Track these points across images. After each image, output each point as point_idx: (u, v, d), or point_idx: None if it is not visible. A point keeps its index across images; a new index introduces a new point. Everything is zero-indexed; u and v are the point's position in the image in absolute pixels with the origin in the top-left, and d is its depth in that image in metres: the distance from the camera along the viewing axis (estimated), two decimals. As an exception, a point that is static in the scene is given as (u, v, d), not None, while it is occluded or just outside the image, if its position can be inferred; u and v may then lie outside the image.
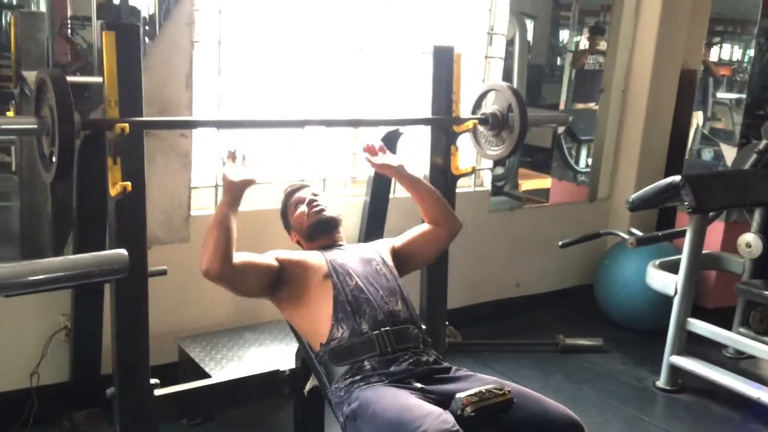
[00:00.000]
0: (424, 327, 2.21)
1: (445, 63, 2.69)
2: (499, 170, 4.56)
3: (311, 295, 2.10)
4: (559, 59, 6.35)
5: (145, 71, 2.68)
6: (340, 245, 2.30)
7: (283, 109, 3.14)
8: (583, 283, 4.29)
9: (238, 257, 2.03)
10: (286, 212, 2.39)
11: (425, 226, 2.37)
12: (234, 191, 2.09)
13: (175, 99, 2.76)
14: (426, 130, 2.84)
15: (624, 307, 3.93)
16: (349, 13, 3.24)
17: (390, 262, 2.27)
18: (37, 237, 2.87)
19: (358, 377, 1.96)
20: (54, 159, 1.88)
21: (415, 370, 1.98)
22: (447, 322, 3.63)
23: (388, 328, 2.04)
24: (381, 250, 2.31)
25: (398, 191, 3.49)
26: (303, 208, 2.31)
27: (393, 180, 3.19)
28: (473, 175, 3.75)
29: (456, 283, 3.68)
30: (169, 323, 2.94)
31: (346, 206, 3.32)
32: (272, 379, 2.49)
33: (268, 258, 2.14)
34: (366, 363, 1.98)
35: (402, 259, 2.33)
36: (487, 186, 3.89)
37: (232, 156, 2.16)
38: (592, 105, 4.60)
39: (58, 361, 2.73)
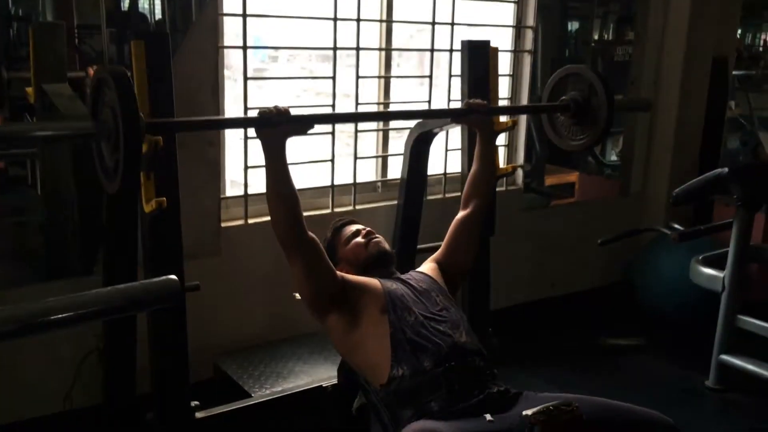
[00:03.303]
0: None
1: (480, 58, 2.59)
2: (526, 166, 4.45)
3: (367, 327, 1.95)
4: (567, 51, 6.25)
5: (169, 80, 2.62)
6: (395, 275, 2.17)
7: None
8: (620, 280, 4.17)
9: (313, 235, 1.93)
10: (334, 244, 2.21)
11: (459, 219, 2.28)
12: (271, 144, 1.85)
13: (202, 107, 2.67)
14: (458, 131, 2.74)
15: (665, 304, 3.81)
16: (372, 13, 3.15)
17: (444, 286, 2.15)
18: (63, 255, 2.78)
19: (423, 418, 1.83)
20: (119, 166, 1.68)
21: (485, 404, 1.85)
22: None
23: (453, 363, 1.89)
24: (433, 274, 2.19)
25: (431, 194, 3.40)
26: (359, 239, 2.19)
27: (425, 182, 3.11)
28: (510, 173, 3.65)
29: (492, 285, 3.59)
30: (202, 339, 2.83)
31: (378, 211, 3.24)
32: (316, 395, 2.39)
33: (334, 270, 2.01)
34: (433, 404, 1.84)
35: (449, 267, 2.23)
36: (519, 184, 3.79)
37: (265, 112, 1.86)
38: (619, 97, 4.47)
39: (91, 384, 2.63)
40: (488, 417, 1.79)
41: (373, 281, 2.06)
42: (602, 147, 5.18)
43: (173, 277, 1.22)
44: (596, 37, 5.65)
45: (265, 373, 2.64)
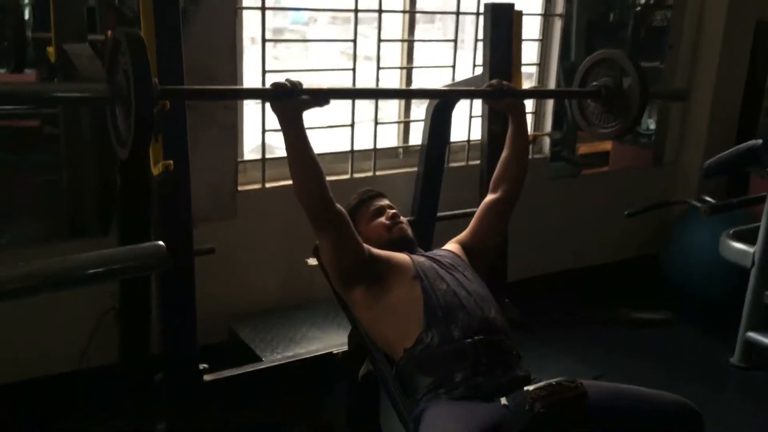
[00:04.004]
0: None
1: (503, 23, 2.50)
2: (556, 134, 4.34)
3: (398, 298, 1.91)
4: (611, 15, 6.02)
5: (184, 41, 2.59)
6: (418, 253, 2.11)
7: (332, 76, 2.99)
8: (647, 253, 4.07)
9: (341, 208, 1.88)
10: (356, 216, 2.13)
11: (488, 201, 2.18)
12: (287, 116, 1.78)
13: (218, 70, 2.65)
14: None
15: (693, 279, 3.72)
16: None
17: (469, 263, 2.08)
18: (83, 215, 2.80)
19: (442, 390, 1.78)
20: (130, 132, 1.60)
21: (506, 387, 1.77)
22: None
23: (482, 336, 1.83)
24: (458, 252, 2.13)
25: (454, 161, 3.34)
26: (383, 220, 2.11)
27: (447, 149, 3.05)
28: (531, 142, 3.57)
29: (512, 256, 3.52)
30: (218, 302, 2.86)
31: (398, 177, 3.19)
32: (325, 362, 2.38)
33: (362, 243, 1.95)
34: (456, 376, 1.79)
35: (474, 249, 2.15)
36: (546, 152, 3.69)
37: (278, 84, 1.77)
38: (657, 63, 4.31)
39: (107, 343, 2.67)
40: (503, 401, 1.72)
41: (401, 254, 2.02)
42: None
43: (161, 243, 1.19)
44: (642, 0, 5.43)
45: (278, 337, 2.64)
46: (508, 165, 2.18)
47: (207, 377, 2.18)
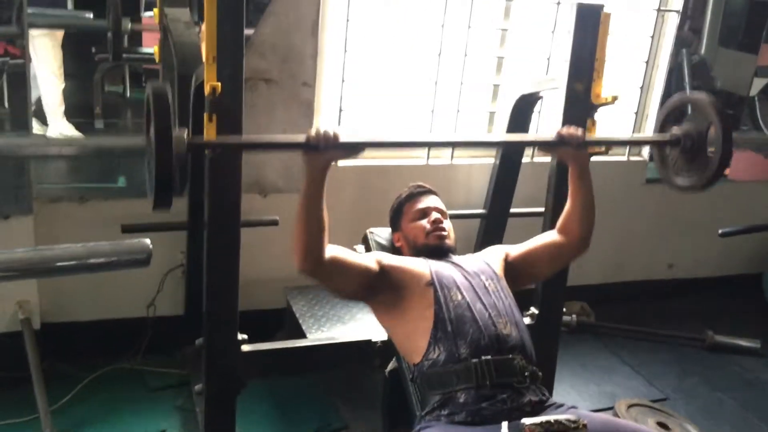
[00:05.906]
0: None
1: (590, 25, 2.34)
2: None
3: (411, 305, 1.89)
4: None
5: (269, 17, 2.65)
6: (448, 260, 2.05)
7: (413, 65, 2.95)
8: (750, 272, 3.78)
9: (332, 252, 1.83)
10: (401, 210, 2.14)
11: (551, 238, 2.06)
12: (313, 168, 1.77)
13: (299, 47, 2.69)
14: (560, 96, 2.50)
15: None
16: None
17: (501, 274, 2.01)
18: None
19: (445, 412, 1.78)
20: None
21: (510, 414, 1.73)
22: (581, 301, 3.38)
23: (489, 356, 1.79)
24: (492, 260, 2.05)
25: (538, 156, 3.22)
26: (425, 223, 2.08)
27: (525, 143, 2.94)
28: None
29: (597, 258, 3.39)
30: (281, 270, 2.93)
31: (475, 168, 3.13)
32: (364, 348, 2.40)
33: (369, 260, 1.93)
34: (460, 395, 1.77)
35: (517, 269, 2.06)
36: (644, 155, 3.48)
37: (314, 135, 1.75)
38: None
39: (174, 296, 2.85)
40: (504, 428, 1.68)
41: (419, 260, 1.99)
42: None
43: (146, 240, 1.25)
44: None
45: (328, 315, 2.70)
46: (569, 219, 2.03)
47: (245, 348, 2.26)
